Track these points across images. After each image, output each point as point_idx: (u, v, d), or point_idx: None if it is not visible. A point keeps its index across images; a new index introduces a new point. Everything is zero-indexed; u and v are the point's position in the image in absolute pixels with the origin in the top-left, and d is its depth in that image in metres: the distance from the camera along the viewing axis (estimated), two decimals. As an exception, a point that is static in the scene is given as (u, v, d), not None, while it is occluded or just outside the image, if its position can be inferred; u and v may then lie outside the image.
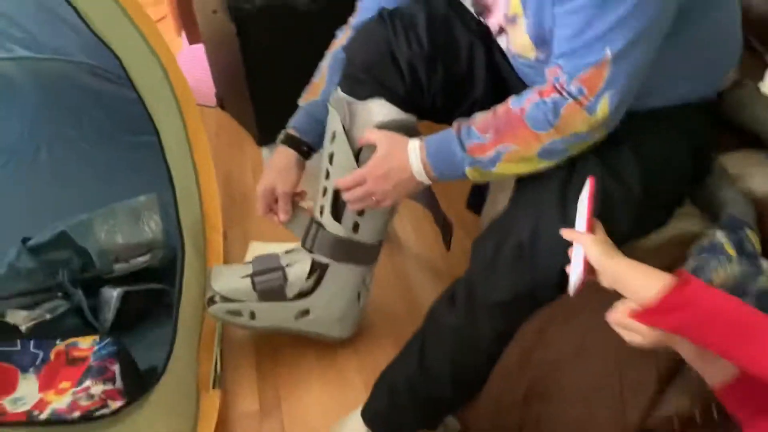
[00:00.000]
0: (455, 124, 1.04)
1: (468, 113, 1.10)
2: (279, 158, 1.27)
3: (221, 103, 2.05)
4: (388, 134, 1.11)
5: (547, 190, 1.01)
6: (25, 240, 1.37)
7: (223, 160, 1.81)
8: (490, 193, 1.41)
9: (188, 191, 1.40)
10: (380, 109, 1.15)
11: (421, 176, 1.07)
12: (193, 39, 2.19)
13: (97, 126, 1.85)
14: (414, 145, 1.07)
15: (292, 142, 1.27)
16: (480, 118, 1.02)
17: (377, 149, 1.10)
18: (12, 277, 1.35)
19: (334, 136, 1.18)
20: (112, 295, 1.32)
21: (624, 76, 0.91)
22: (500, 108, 1.01)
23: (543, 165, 1.00)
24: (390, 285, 1.49)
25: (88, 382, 1.16)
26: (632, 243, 1.02)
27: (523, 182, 1.07)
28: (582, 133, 0.95)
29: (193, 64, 2.13)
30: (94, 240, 1.36)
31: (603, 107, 0.93)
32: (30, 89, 1.94)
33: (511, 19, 1.02)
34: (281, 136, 1.28)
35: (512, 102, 1.00)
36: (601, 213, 0.86)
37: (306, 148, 1.27)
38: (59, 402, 1.13)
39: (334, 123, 1.18)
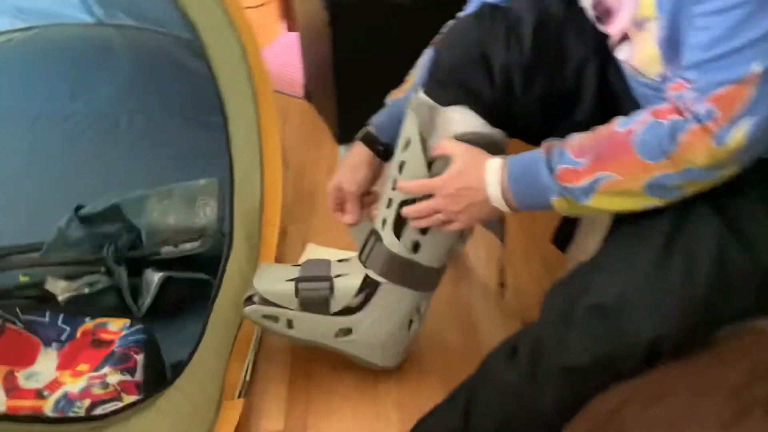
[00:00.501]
0: (545, 144, 0.89)
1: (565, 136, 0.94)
2: (352, 155, 1.18)
3: (308, 95, 1.96)
4: (466, 147, 0.97)
5: (645, 245, 0.83)
6: (78, 208, 1.32)
7: (297, 154, 1.72)
8: (580, 231, 1.24)
9: (249, 180, 1.32)
10: (462, 118, 1.00)
11: (498, 202, 0.93)
12: (291, 26, 2.12)
13: (182, 103, 1.81)
14: (494, 165, 0.92)
15: (367, 139, 1.17)
16: (577, 139, 0.87)
17: (452, 163, 0.97)
18: (60, 244, 1.31)
19: (408, 144, 1.05)
20: (154, 279, 1.25)
21: None
22: (603, 129, 0.85)
23: (649, 203, 0.83)
24: (448, 316, 1.34)
25: (106, 369, 1.08)
26: (751, 323, 0.83)
27: (619, 227, 0.90)
28: (703, 168, 0.78)
29: (289, 51, 2.06)
30: (145, 218, 1.30)
31: (737, 138, 0.76)
32: (126, 58, 1.94)
33: (639, 24, 0.85)
34: (360, 132, 1.17)
35: (619, 123, 0.84)
36: (715, 283, 0.68)
37: (382, 148, 1.15)
38: (73, 385, 1.06)
39: (410, 128, 1.05)
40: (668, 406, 0.78)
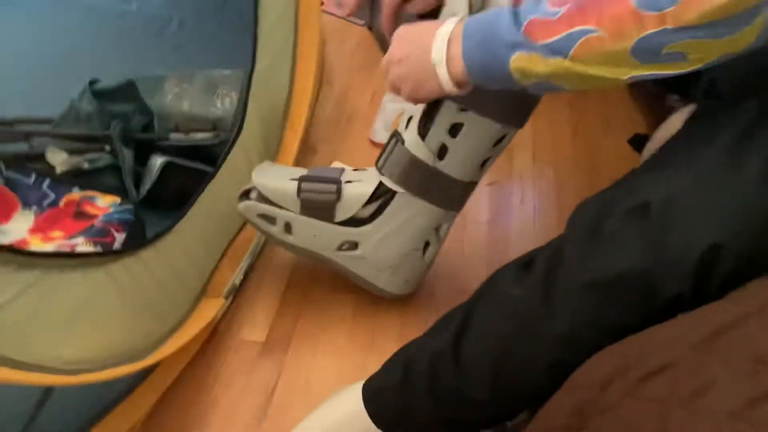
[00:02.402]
0: None
1: None
2: None
3: (370, 25, 1.83)
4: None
5: (713, 141, 0.64)
6: (93, 82, 1.23)
7: (345, 77, 1.59)
8: (659, 128, 1.02)
9: (275, 73, 1.19)
10: None
11: (441, 67, 0.74)
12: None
13: (237, 13, 1.73)
14: (453, 19, 0.74)
15: None
16: None
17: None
18: (71, 118, 1.22)
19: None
20: (156, 163, 1.14)
21: None
22: None
23: (635, 73, 0.63)
24: (475, 251, 1.16)
25: (80, 239, 0.98)
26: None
27: (688, 126, 0.71)
28: (720, 15, 0.57)
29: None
30: (160, 99, 1.19)
31: None
32: None
33: None
34: None
35: None
36: None
37: None
38: (39, 247, 0.96)
39: (458, 2, 0.88)
40: (668, 381, 0.57)
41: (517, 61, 0.68)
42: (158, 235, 0.90)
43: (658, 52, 0.61)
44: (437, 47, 0.73)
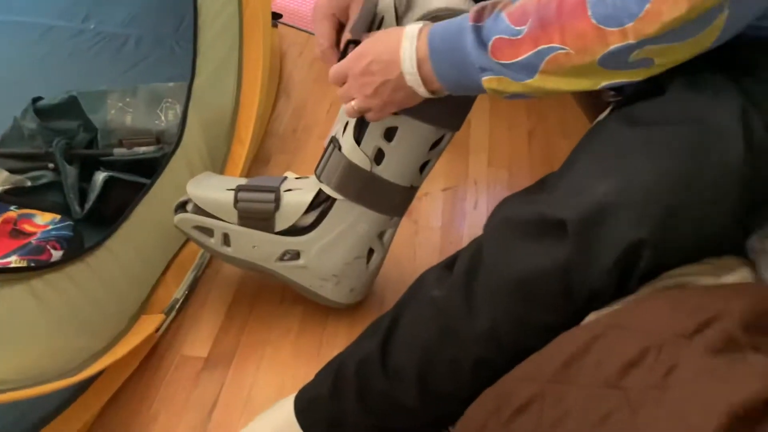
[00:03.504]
0: (477, 6, 0.69)
1: None
2: None
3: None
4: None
5: (637, 122, 0.63)
6: (36, 99, 1.21)
7: (303, 89, 1.58)
8: None
9: (219, 84, 1.17)
10: None
11: (414, 79, 0.73)
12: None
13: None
14: (412, 31, 0.72)
15: None
16: (518, 1, 0.66)
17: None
18: (14, 136, 1.20)
19: (381, 23, 0.87)
20: (99, 179, 1.12)
21: None
22: None
23: (607, 81, 0.64)
24: (428, 257, 1.14)
25: (13, 257, 0.95)
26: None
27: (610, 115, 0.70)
28: (679, 24, 0.58)
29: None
30: (103, 114, 1.18)
31: None
32: None
33: None
34: None
35: None
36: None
37: None
38: (-32, 267, 0.94)
39: (384, 4, 0.86)
40: (533, 416, 0.57)
41: (489, 82, 0.69)
42: (86, 251, 0.88)
43: (626, 61, 0.62)
44: (408, 68, 0.73)
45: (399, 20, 0.86)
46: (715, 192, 0.59)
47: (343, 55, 0.85)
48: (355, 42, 0.84)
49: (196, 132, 1.12)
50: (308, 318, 1.04)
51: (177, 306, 1.04)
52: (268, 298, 1.08)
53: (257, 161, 1.35)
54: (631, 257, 0.61)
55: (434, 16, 0.83)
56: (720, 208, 0.60)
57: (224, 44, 1.19)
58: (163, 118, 1.17)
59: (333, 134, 0.96)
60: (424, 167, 0.95)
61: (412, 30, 0.72)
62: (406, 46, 0.72)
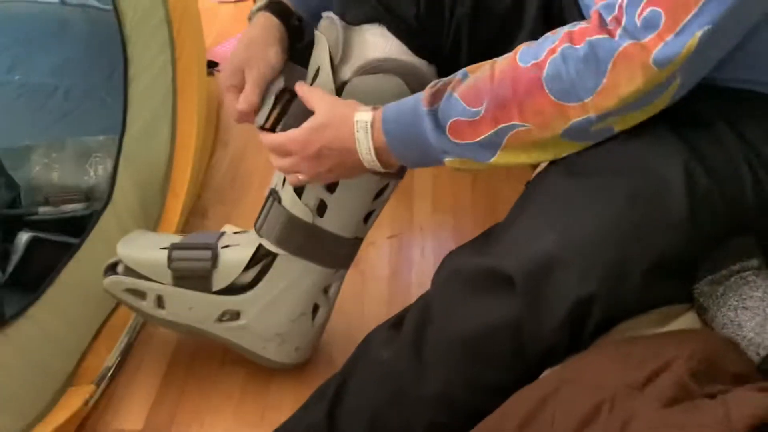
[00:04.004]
0: (428, 90, 0.68)
1: None
2: (256, 28, 0.86)
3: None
4: (329, 99, 0.77)
5: (579, 175, 0.62)
6: (-47, 158, 1.14)
7: (242, 138, 1.54)
8: None
9: (151, 136, 1.13)
10: (378, 41, 0.81)
11: (374, 165, 0.73)
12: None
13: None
14: (364, 119, 0.71)
15: (276, 8, 0.87)
16: (470, 79, 0.66)
17: (314, 114, 0.76)
18: (-70, 198, 1.13)
19: (317, 73, 0.85)
20: (22, 239, 1.05)
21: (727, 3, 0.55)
22: (502, 62, 0.65)
23: (570, 149, 0.64)
24: (376, 309, 1.09)
25: None
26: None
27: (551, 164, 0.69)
28: (638, 97, 0.59)
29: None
30: (27, 171, 1.11)
31: (687, 49, 0.57)
32: (81, 36, 1.80)
33: None
34: (258, 3, 0.88)
35: (522, 54, 0.64)
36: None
37: (298, 23, 0.88)
38: None
39: (319, 54, 0.84)
40: None
41: (451, 162, 0.69)
42: (5, 322, 0.81)
43: (588, 132, 0.62)
44: (366, 156, 0.72)
45: (335, 71, 0.84)
46: (660, 243, 0.59)
47: (276, 102, 0.83)
48: (290, 91, 0.82)
49: (127, 187, 1.06)
50: (251, 381, 0.99)
51: (108, 374, 0.97)
52: (206, 361, 1.02)
53: (194, 214, 1.30)
54: (581, 312, 0.59)
55: (373, 66, 0.82)
56: (666, 259, 0.59)
57: (157, 95, 1.15)
58: (92, 173, 1.12)
59: (272, 186, 0.93)
60: (368, 217, 0.92)
61: (362, 119, 0.71)
62: (360, 137, 0.71)
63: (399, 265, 1.21)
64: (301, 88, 0.79)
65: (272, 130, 0.84)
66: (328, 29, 0.84)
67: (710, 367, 0.62)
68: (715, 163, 0.60)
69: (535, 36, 0.77)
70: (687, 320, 0.68)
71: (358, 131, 0.71)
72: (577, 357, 0.63)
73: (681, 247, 0.59)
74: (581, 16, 0.73)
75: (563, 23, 0.78)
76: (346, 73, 0.83)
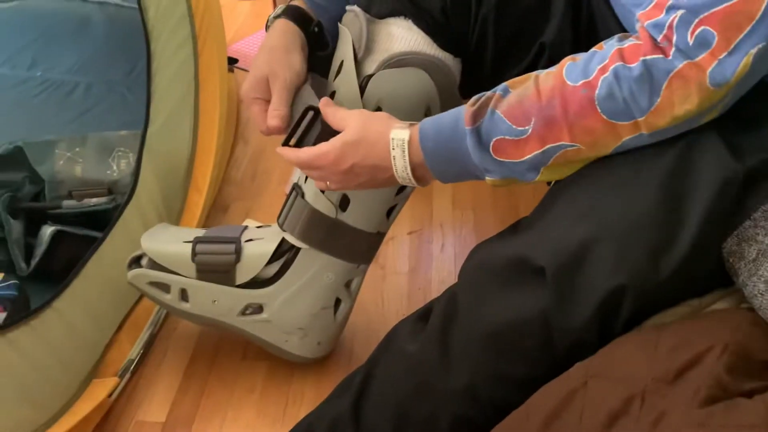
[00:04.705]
0: (470, 109, 0.66)
1: (530, 65, 0.73)
2: (272, 36, 0.83)
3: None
4: (360, 114, 0.74)
5: (614, 174, 0.61)
6: (-22, 152, 1.15)
7: (260, 135, 1.49)
8: None
9: (173, 131, 1.13)
10: (403, 34, 0.80)
11: (410, 182, 0.72)
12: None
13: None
14: (401, 137, 0.69)
15: (295, 15, 0.84)
16: (513, 97, 0.64)
17: (345, 130, 0.74)
18: (-45, 190, 1.14)
19: (341, 67, 0.84)
20: (47, 233, 1.06)
21: None
22: (548, 80, 0.63)
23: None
24: (396, 304, 1.10)
25: (-51, 323, 0.88)
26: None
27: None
28: (691, 116, 0.58)
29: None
30: (50, 165, 1.12)
31: (742, 68, 0.56)
32: (100, 33, 1.84)
33: None
34: (276, 10, 0.86)
35: (569, 71, 0.62)
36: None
37: (317, 29, 0.85)
38: None
39: (343, 48, 0.84)
40: None
41: (494, 181, 0.68)
42: (30, 314, 0.82)
43: (635, 147, 0.62)
44: (402, 174, 0.71)
45: (359, 64, 0.84)
46: (694, 232, 0.58)
47: (299, 121, 0.79)
48: (314, 109, 0.79)
49: (150, 181, 1.06)
50: (273, 375, 0.99)
51: (132, 367, 0.97)
52: (229, 354, 1.02)
53: (215, 209, 1.30)
54: (611, 305, 0.59)
55: (398, 60, 0.81)
56: (700, 249, 0.59)
57: (179, 90, 1.15)
58: (115, 167, 1.12)
59: (295, 180, 0.93)
60: (391, 212, 0.92)
61: (399, 137, 0.69)
62: (397, 155, 0.69)
63: (419, 261, 1.21)
64: (327, 108, 0.77)
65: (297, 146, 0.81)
66: (351, 22, 0.84)
67: (743, 359, 0.61)
68: (749, 147, 0.59)
69: (562, 30, 0.77)
70: (721, 306, 0.67)
71: (394, 149, 0.70)
72: (604, 349, 0.62)
73: (716, 236, 0.58)
74: (609, 9, 0.73)
75: (591, 17, 0.77)
76: (370, 66, 0.83)
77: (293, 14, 0.84)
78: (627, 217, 0.58)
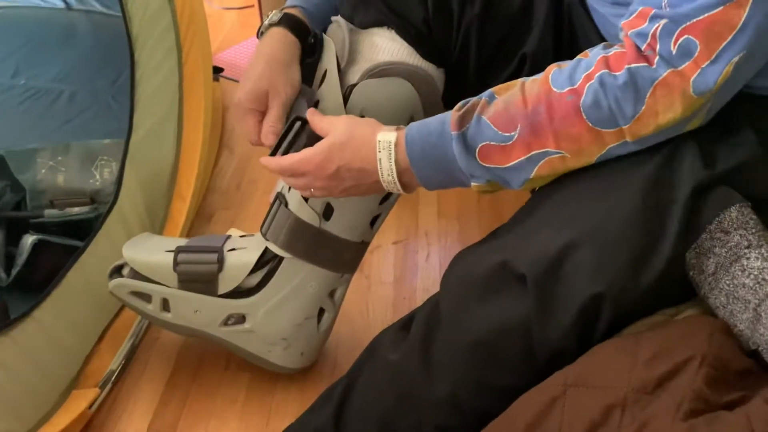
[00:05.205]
0: (456, 114, 0.67)
1: (512, 75, 0.73)
2: (269, 45, 0.82)
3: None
4: (346, 118, 0.75)
5: (593, 182, 0.62)
6: (-42, 160, 1.14)
7: (245, 144, 1.51)
8: None
9: (157, 139, 1.12)
10: (386, 44, 0.81)
11: (395, 187, 0.72)
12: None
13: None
14: (387, 140, 0.69)
15: (293, 25, 0.83)
16: (499, 103, 0.65)
17: (332, 132, 0.73)
18: (-65, 200, 1.12)
19: (324, 77, 0.85)
20: (27, 242, 1.05)
21: (760, 27, 0.56)
22: (534, 87, 0.64)
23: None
24: (381, 313, 1.09)
25: (-74, 333, 0.87)
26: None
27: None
28: (674, 123, 0.59)
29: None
30: (32, 174, 1.11)
31: (724, 76, 0.57)
32: (86, 41, 1.85)
33: None
34: (271, 17, 0.85)
35: (554, 78, 0.63)
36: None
37: (312, 40, 0.84)
38: None
39: (327, 58, 0.84)
40: None
41: (478, 186, 0.68)
42: (10, 324, 0.81)
43: (619, 156, 0.62)
44: (387, 179, 0.71)
45: (342, 74, 0.84)
46: (675, 238, 0.58)
47: (287, 132, 0.79)
48: (302, 119, 0.79)
49: (133, 190, 1.06)
50: (255, 386, 0.98)
51: (113, 378, 0.96)
52: (211, 365, 1.01)
53: (199, 218, 1.30)
54: (590, 313, 0.59)
55: (381, 69, 0.82)
56: (679, 257, 0.59)
57: (163, 99, 1.15)
58: (98, 176, 1.12)
59: (278, 190, 0.93)
60: (374, 221, 0.92)
61: (386, 139, 0.69)
62: (383, 158, 0.69)
63: (404, 271, 1.21)
64: (314, 116, 0.77)
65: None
66: (335, 32, 0.84)
67: (720, 370, 0.61)
68: (722, 155, 0.60)
69: (544, 40, 0.77)
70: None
71: (380, 151, 0.69)
72: (584, 357, 0.62)
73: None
74: (590, 20, 0.73)
75: (572, 28, 0.78)
76: (354, 76, 0.83)
77: (292, 24, 0.83)
78: (608, 225, 0.59)
